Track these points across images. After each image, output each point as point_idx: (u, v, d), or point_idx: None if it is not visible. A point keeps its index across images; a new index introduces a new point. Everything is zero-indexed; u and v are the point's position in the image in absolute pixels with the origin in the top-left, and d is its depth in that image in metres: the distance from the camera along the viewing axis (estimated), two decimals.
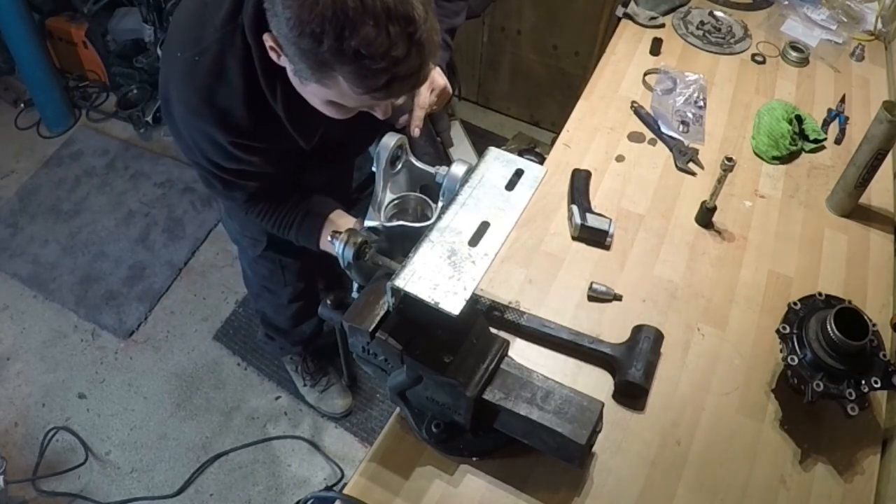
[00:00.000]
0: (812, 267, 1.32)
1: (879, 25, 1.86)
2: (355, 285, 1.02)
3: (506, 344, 0.98)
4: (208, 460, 2.05)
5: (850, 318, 1.02)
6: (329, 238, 0.95)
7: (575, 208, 1.33)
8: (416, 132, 1.24)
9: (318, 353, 2.13)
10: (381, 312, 0.91)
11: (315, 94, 0.94)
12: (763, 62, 1.76)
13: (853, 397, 1.00)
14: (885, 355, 1.04)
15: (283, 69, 0.96)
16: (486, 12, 2.51)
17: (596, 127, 1.56)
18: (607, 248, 1.32)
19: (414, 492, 1.00)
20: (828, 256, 1.34)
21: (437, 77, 1.25)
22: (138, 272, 2.51)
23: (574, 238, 1.33)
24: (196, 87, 1.01)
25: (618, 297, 1.24)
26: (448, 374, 0.90)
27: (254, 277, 1.83)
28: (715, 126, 1.59)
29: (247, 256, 1.77)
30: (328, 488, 1.95)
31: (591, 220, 1.32)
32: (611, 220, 1.32)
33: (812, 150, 1.55)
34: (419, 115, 1.24)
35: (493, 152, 0.99)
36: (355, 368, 1.09)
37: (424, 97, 1.24)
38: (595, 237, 1.32)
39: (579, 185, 1.39)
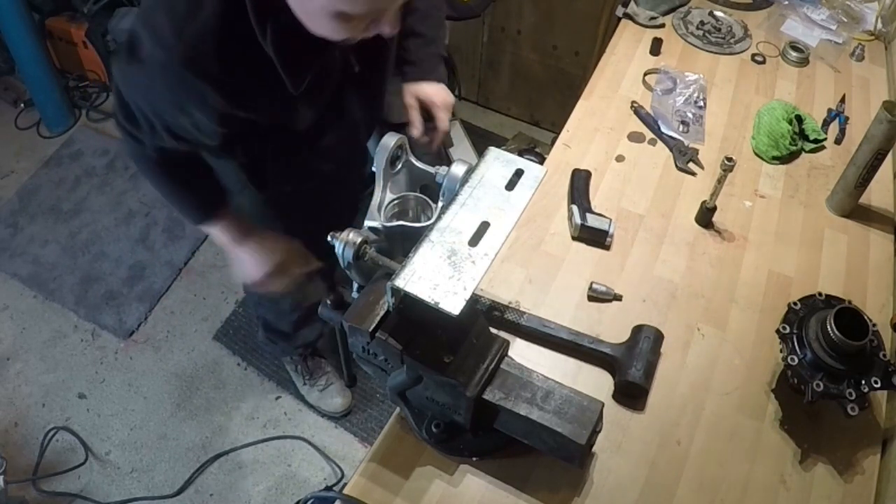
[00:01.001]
0: (812, 267, 1.32)
1: (879, 25, 1.86)
2: (355, 285, 1.02)
3: (506, 344, 0.98)
4: (208, 460, 2.05)
5: (850, 318, 1.02)
6: (329, 238, 0.95)
7: (575, 208, 1.33)
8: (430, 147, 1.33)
9: (318, 353, 2.14)
10: (381, 312, 0.91)
11: (322, 6, 0.88)
12: (763, 62, 1.76)
13: (853, 397, 1.00)
14: (885, 355, 1.03)
15: (275, 6, 0.91)
16: (487, 12, 2.51)
17: (596, 127, 1.56)
18: (607, 248, 1.32)
19: (414, 492, 1.00)
20: (828, 256, 1.34)
21: (448, 97, 1.34)
22: (138, 272, 2.51)
23: (574, 238, 1.33)
24: (171, 17, 0.95)
25: (618, 297, 1.24)
26: (448, 374, 0.90)
27: None
28: (715, 126, 1.59)
29: None
30: (328, 488, 1.95)
31: (591, 220, 1.32)
32: (611, 220, 1.32)
33: (812, 150, 1.55)
34: (440, 138, 1.34)
35: (493, 152, 0.99)
36: (355, 368, 1.09)
37: (445, 121, 1.30)
38: (595, 237, 1.32)
39: (579, 185, 1.39)
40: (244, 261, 1.33)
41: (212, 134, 1.08)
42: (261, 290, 1.38)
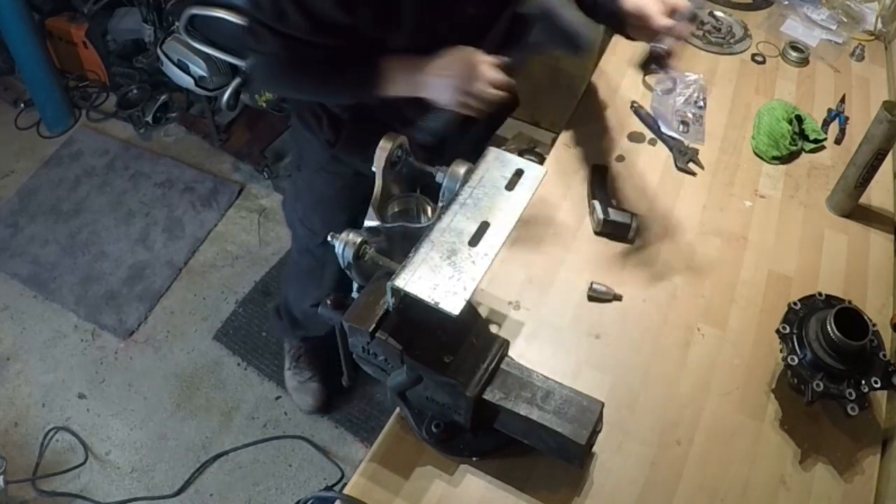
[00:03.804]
0: (812, 267, 1.32)
1: (879, 25, 1.86)
2: (355, 285, 1.02)
3: (506, 344, 0.98)
4: (208, 460, 2.05)
5: (850, 318, 1.02)
6: (329, 238, 0.95)
7: (597, 203, 1.33)
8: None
9: (314, 351, 2.13)
10: (381, 312, 0.91)
11: None
12: (763, 62, 1.76)
13: (853, 397, 1.00)
14: (885, 355, 1.04)
15: None
16: None
17: (596, 127, 1.56)
18: (630, 241, 1.32)
19: (414, 492, 1.00)
20: (828, 256, 1.34)
21: None
22: (138, 272, 2.51)
23: (597, 233, 1.33)
24: None
25: (618, 297, 1.24)
26: (448, 374, 0.90)
27: (294, 266, 1.86)
28: (715, 126, 1.59)
29: (298, 244, 1.79)
30: (328, 488, 1.95)
31: (613, 215, 1.32)
32: (633, 213, 1.32)
33: (812, 150, 1.55)
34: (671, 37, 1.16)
35: (493, 152, 0.99)
36: (355, 368, 1.09)
37: (661, 19, 1.16)
38: (618, 231, 1.32)
39: (599, 180, 1.39)
40: (435, 87, 1.22)
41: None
42: (469, 106, 1.23)
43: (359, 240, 0.93)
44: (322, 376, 2.12)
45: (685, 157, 1.49)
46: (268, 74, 1.20)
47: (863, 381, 1.01)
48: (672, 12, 1.18)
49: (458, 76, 1.18)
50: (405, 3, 1.11)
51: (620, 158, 1.50)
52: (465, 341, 0.93)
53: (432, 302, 0.79)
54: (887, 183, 1.49)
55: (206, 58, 2.40)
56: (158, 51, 2.52)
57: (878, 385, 1.00)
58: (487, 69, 1.17)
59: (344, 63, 1.20)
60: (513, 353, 1.01)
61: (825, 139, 1.56)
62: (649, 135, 1.55)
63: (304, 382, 2.11)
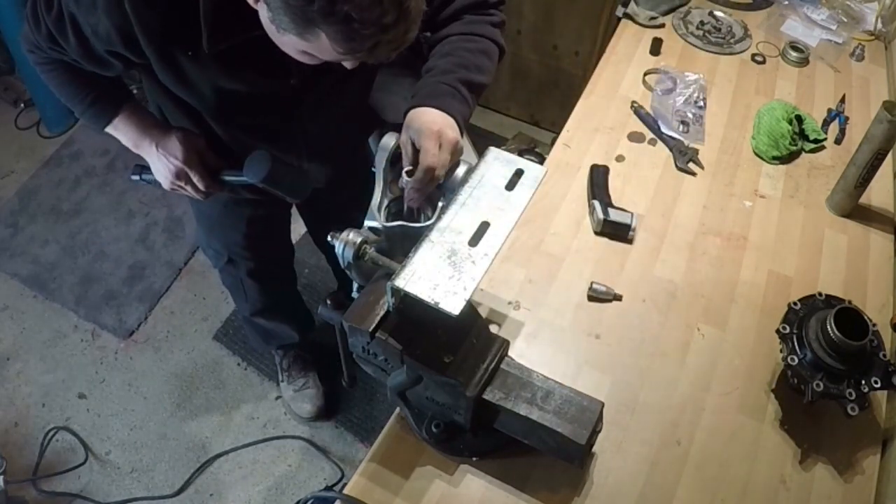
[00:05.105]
0: (812, 267, 1.32)
1: (879, 25, 1.86)
2: (355, 285, 1.02)
3: (506, 344, 0.98)
4: (208, 460, 2.05)
5: (850, 318, 1.02)
6: (329, 238, 0.95)
7: (596, 203, 1.34)
8: (413, 203, 1.02)
9: (303, 359, 2.13)
10: (381, 312, 0.91)
11: (291, 44, 0.88)
12: (763, 62, 1.76)
13: (853, 397, 1.00)
14: (885, 355, 1.04)
15: None
16: None
17: (596, 127, 1.56)
18: (630, 241, 1.33)
19: (414, 492, 1.00)
20: (828, 256, 1.34)
21: (449, 130, 1.00)
22: (138, 272, 2.51)
23: (597, 233, 1.34)
24: None
25: (618, 297, 1.24)
26: (448, 374, 0.90)
27: (224, 283, 1.91)
28: (715, 126, 1.59)
29: (213, 265, 1.83)
30: (328, 488, 1.95)
31: (613, 215, 1.32)
32: (632, 213, 1.32)
33: (812, 150, 1.55)
34: (420, 177, 0.98)
35: (493, 152, 0.99)
36: (355, 368, 1.09)
37: (429, 151, 0.97)
38: (617, 231, 1.32)
39: (599, 180, 1.39)
40: (153, 164, 1.26)
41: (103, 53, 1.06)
42: (179, 193, 1.29)
43: (359, 240, 0.93)
44: (316, 382, 2.12)
45: (685, 157, 1.49)
46: (29, 46, 1.17)
47: (863, 381, 1.01)
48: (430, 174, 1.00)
49: (171, 170, 1.23)
50: (191, 64, 1.05)
51: (620, 158, 1.50)
52: (465, 341, 0.93)
53: (432, 302, 0.79)
54: (887, 183, 1.49)
55: None
56: None
57: (878, 385, 1.00)
58: (193, 177, 1.23)
59: (91, 85, 1.19)
60: (513, 353, 1.01)
61: (825, 139, 1.56)
62: (649, 135, 1.55)
63: (300, 390, 2.11)
